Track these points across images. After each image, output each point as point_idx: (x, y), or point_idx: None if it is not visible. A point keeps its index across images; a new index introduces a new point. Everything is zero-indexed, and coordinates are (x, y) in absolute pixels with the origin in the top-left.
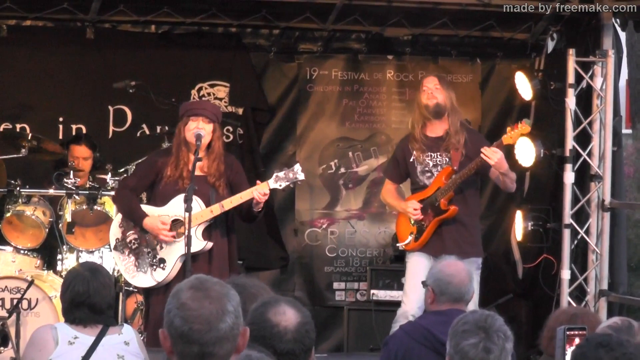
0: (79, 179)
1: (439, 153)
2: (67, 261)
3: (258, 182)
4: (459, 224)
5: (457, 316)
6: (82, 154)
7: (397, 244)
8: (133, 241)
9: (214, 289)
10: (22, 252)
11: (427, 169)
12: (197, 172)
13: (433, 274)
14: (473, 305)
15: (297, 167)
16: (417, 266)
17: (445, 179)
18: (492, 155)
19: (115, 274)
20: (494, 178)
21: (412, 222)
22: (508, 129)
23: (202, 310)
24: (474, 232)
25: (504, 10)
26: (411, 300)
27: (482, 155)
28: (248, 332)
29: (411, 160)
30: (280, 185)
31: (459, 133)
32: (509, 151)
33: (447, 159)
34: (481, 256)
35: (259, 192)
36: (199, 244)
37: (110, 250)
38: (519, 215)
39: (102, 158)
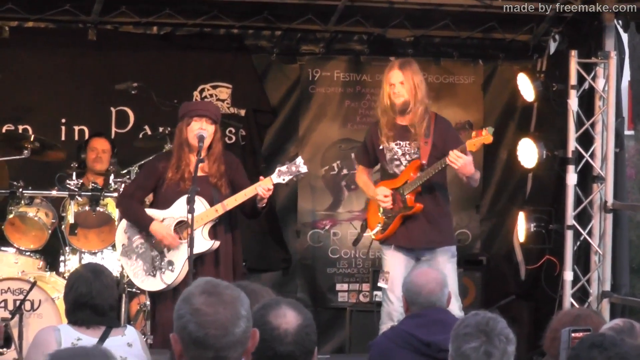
0: (96, 172)
1: (408, 142)
2: (70, 262)
3: (261, 177)
4: (426, 217)
5: (433, 315)
6: (102, 146)
7: (365, 233)
8: (140, 246)
9: (226, 293)
10: (24, 253)
11: (395, 157)
12: (199, 173)
13: (405, 283)
14: (455, 298)
15: (299, 160)
16: (395, 263)
17: (414, 173)
18: (457, 160)
19: (118, 275)
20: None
21: (381, 212)
22: (473, 134)
23: (218, 316)
24: (442, 222)
25: (505, 11)
26: (393, 301)
27: (447, 159)
28: (258, 334)
29: (380, 147)
30: (283, 180)
31: (423, 123)
32: (510, 153)
33: (417, 149)
34: (454, 244)
35: (262, 187)
36: (206, 243)
37: (118, 257)
38: (521, 216)
39: (116, 162)
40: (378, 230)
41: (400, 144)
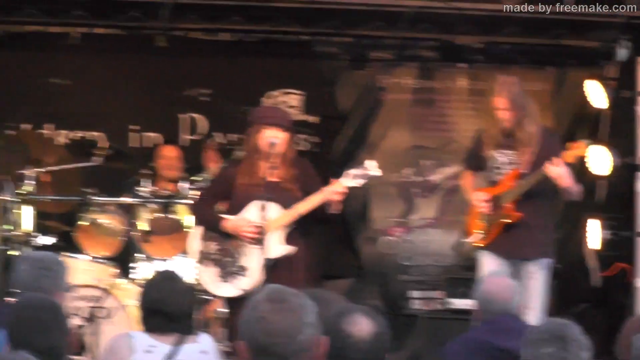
0: (168, 179)
1: (512, 151)
2: (142, 270)
3: (332, 180)
4: (525, 226)
5: (507, 322)
6: (171, 153)
7: (464, 240)
8: (215, 252)
9: (291, 300)
10: (97, 260)
11: (497, 165)
12: (271, 179)
13: (478, 290)
14: (541, 312)
15: (369, 163)
16: (489, 269)
17: (513, 182)
18: (552, 170)
19: (192, 282)
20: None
21: (481, 218)
22: (571, 145)
23: (283, 324)
24: (540, 234)
25: (574, 18)
26: None
27: (544, 168)
28: (328, 343)
29: (484, 154)
30: (355, 183)
31: (528, 134)
32: (580, 161)
33: (519, 158)
34: (549, 257)
35: (333, 191)
36: (282, 248)
37: (195, 264)
38: (593, 223)
39: (186, 168)
40: (479, 237)
41: (504, 152)
